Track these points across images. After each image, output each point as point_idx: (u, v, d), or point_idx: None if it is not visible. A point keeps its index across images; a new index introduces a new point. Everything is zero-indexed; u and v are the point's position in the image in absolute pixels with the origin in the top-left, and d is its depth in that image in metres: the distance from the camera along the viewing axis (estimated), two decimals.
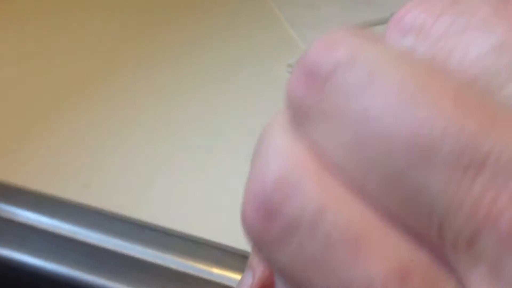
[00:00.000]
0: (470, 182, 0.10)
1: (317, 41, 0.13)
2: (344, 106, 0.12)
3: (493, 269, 0.10)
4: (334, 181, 0.12)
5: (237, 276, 0.32)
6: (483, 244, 0.10)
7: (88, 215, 0.35)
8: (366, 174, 0.12)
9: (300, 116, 0.13)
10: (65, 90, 0.49)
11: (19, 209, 0.36)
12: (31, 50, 0.55)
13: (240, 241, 0.33)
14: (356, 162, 0.12)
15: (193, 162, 0.40)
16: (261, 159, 0.14)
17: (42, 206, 0.36)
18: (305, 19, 0.63)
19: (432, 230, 0.11)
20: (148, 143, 0.42)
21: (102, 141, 0.42)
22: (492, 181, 0.10)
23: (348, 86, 0.12)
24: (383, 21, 0.61)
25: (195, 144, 0.42)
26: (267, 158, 0.13)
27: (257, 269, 0.18)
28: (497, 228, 0.10)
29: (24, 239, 0.34)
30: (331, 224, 0.12)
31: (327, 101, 0.12)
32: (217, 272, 0.32)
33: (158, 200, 0.37)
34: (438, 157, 0.10)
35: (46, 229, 0.35)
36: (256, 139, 0.15)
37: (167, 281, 0.32)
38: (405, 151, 0.11)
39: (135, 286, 0.32)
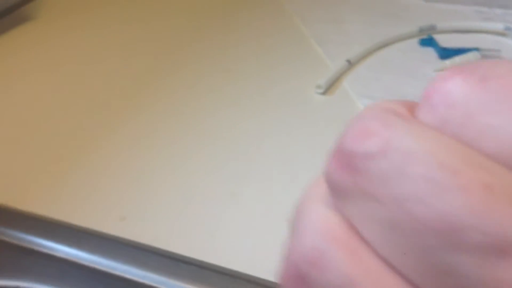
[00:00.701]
0: (496, 268, 0.11)
1: (352, 127, 0.13)
2: (379, 191, 0.12)
3: None
4: (367, 255, 0.13)
5: None
6: None
7: (124, 249, 0.36)
8: (400, 252, 0.12)
9: (338, 193, 0.13)
10: (101, 121, 0.50)
11: (58, 244, 0.37)
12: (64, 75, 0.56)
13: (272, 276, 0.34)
14: (390, 241, 0.12)
15: (228, 193, 0.41)
16: (298, 229, 0.14)
17: (80, 241, 0.37)
18: (331, 36, 0.63)
19: None
20: (183, 173, 0.43)
21: (138, 173, 0.43)
22: None
23: (382, 173, 0.12)
24: (410, 36, 0.61)
25: (230, 174, 0.43)
26: (304, 229, 0.14)
27: None
28: None
29: (64, 274, 0.35)
30: None
31: (363, 185, 0.13)
32: None
33: (194, 232, 0.37)
34: (468, 243, 0.11)
35: (84, 264, 0.35)
36: (293, 207, 0.15)
37: None
38: (436, 235, 0.11)
39: None
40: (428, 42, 0.58)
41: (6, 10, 0.68)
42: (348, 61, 0.56)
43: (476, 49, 0.54)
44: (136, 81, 0.56)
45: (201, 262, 0.35)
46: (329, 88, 0.53)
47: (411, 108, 0.15)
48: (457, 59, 0.54)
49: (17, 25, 0.66)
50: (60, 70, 0.58)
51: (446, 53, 0.55)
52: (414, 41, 0.59)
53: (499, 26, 0.59)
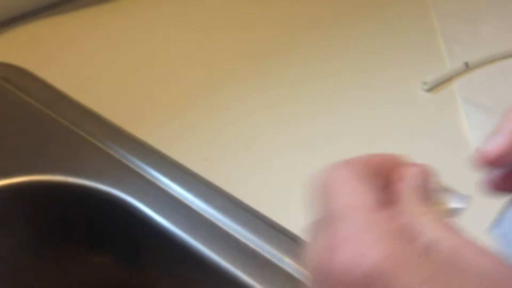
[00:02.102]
0: None
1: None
2: None
3: None
4: None
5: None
6: None
7: (198, 185, 0.42)
8: None
9: None
10: (205, 83, 0.56)
11: (149, 168, 0.44)
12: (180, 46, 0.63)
13: None
14: None
15: (308, 158, 0.45)
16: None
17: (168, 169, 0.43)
18: (460, 34, 0.62)
19: None
20: (267, 135, 0.47)
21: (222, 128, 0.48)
22: None
23: None
24: None
25: (317, 142, 0.47)
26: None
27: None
28: None
29: (146, 191, 0.42)
30: None
31: None
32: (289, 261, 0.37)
33: (259, 184, 0.42)
34: None
35: (164, 188, 0.42)
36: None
37: (244, 257, 0.37)
38: None
39: (220, 254, 0.38)
40: None
41: None
42: (466, 64, 0.55)
43: None
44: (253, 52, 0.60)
45: (256, 211, 0.40)
46: (436, 86, 0.53)
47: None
48: None
49: None
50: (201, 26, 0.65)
51: None
52: None
53: None
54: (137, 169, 0.44)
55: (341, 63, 0.57)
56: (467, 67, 0.55)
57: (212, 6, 0.67)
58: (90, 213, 0.44)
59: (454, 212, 0.23)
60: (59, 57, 0.57)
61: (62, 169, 0.43)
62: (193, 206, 0.41)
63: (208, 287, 0.39)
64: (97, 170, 0.44)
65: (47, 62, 0.56)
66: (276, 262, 0.37)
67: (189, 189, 0.42)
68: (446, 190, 0.23)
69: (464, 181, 0.26)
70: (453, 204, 0.23)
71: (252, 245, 0.38)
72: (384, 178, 0.22)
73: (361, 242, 0.18)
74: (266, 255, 0.37)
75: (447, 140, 0.48)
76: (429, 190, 0.22)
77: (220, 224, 0.39)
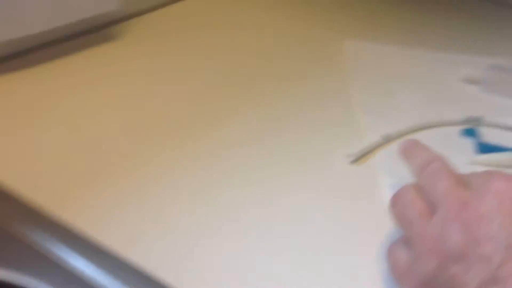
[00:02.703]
0: None
1: None
2: None
3: None
4: None
5: None
6: None
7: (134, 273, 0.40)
8: None
9: None
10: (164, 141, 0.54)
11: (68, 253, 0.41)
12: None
13: None
14: None
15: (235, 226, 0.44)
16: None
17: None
18: (380, 108, 0.65)
19: None
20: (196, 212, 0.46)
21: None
22: None
23: None
24: (454, 123, 0.62)
25: (245, 212, 0.46)
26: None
27: None
28: None
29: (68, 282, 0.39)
30: None
31: None
32: None
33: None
34: None
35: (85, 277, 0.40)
36: None
37: None
38: None
39: None
40: (470, 132, 0.59)
41: (92, 28, 0.75)
42: (385, 136, 0.58)
43: None
44: (212, 112, 0.60)
45: None
46: (359, 158, 0.55)
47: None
48: (492, 156, 0.54)
49: (100, 44, 0.73)
50: (133, 88, 0.64)
51: (484, 148, 0.56)
52: (456, 129, 0.60)
53: None
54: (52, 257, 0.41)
55: (263, 139, 0.58)
56: (387, 139, 0.58)
57: (135, 69, 0.66)
58: None
59: None
60: None
61: None
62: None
63: None
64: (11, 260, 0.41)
65: None
66: None
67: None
68: None
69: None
70: None
71: None
72: None
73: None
74: None
75: (369, 210, 0.48)
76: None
77: None
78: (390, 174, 0.53)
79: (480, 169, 0.39)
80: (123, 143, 0.54)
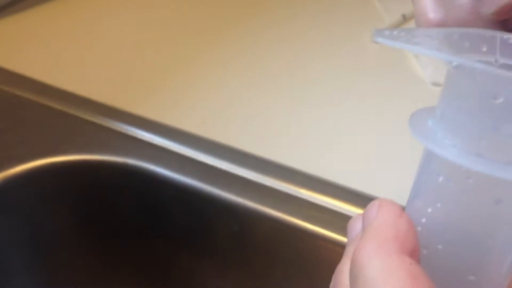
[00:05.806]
0: None
1: None
2: None
3: None
4: None
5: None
6: None
7: (205, 144, 0.46)
8: None
9: None
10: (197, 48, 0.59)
11: (153, 135, 0.47)
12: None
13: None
14: None
15: (285, 107, 0.50)
16: None
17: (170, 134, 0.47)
18: None
19: None
20: (252, 88, 0.52)
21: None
22: None
23: None
24: None
25: (290, 92, 0.52)
26: None
27: None
28: None
29: (160, 157, 0.45)
30: None
31: None
32: (304, 192, 0.42)
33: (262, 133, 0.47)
34: None
35: (174, 151, 0.46)
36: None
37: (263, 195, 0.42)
38: None
39: (241, 197, 0.42)
40: None
41: None
42: (403, 16, 0.63)
43: None
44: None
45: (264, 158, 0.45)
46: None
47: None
48: None
49: None
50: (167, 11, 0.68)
51: None
52: None
53: None
54: (143, 138, 0.47)
55: (302, 28, 0.63)
56: (405, 18, 0.63)
57: None
58: (111, 186, 0.46)
59: None
60: (28, 52, 0.58)
61: (73, 149, 0.46)
62: (207, 162, 0.45)
63: (237, 228, 0.44)
64: (106, 145, 0.46)
65: (17, 58, 0.57)
66: (294, 194, 0.42)
67: (197, 148, 0.46)
68: None
69: None
70: None
71: (269, 184, 0.43)
72: None
73: None
74: (283, 190, 0.43)
75: (404, 80, 0.55)
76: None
77: (235, 172, 0.44)
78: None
79: None
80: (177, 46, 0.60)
